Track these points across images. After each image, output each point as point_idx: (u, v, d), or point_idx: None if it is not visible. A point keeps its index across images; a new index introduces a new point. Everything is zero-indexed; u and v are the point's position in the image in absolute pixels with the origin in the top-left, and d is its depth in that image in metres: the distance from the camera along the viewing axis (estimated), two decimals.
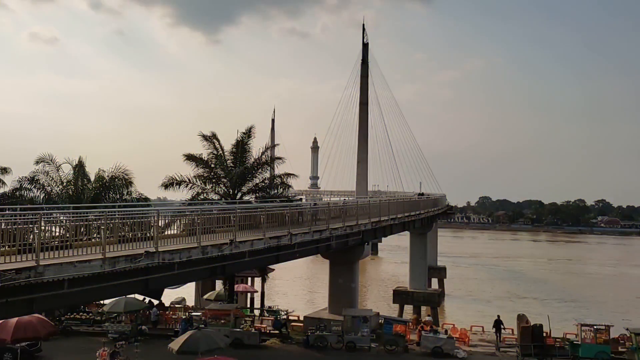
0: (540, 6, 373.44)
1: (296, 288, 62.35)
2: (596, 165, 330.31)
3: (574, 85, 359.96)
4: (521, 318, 28.15)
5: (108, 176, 29.54)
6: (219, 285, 37.09)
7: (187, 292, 38.82)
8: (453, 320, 37.54)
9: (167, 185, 31.09)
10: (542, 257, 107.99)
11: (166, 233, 17.28)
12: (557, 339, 27.68)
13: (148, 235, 15.75)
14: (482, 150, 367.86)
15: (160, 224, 16.36)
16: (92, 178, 30.23)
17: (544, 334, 26.84)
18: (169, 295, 36.04)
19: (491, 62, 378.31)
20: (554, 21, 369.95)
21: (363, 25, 68.14)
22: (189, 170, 31.85)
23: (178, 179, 31.14)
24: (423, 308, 44.75)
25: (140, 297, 31.34)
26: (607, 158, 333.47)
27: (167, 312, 32.31)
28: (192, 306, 35.80)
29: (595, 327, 26.65)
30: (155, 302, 33.55)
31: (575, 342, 26.60)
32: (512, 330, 30.09)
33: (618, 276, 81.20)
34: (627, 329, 27.29)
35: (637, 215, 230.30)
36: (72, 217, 14.47)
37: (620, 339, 27.76)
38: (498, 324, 29.58)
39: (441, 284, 60.26)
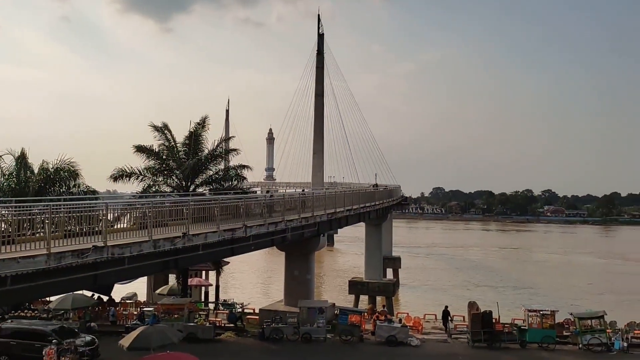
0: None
1: (252, 281, 61.99)
2: (543, 156, 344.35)
3: (527, 77, 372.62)
4: (472, 305, 28.88)
5: (52, 168, 28.23)
6: (172, 279, 36.41)
7: (139, 286, 37.93)
8: (407, 310, 38.24)
9: (117, 177, 30.10)
10: (494, 245, 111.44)
11: (116, 227, 16.76)
12: (506, 325, 28.60)
13: (96, 229, 15.23)
14: (436, 141, 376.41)
15: (109, 218, 15.84)
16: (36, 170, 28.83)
17: (494, 320, 27.63)
18: (119, 291, 35.10)
19: (447, 54, 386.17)
20: (506, 13, 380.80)
21: (318, 15, 67.72)
22: (139, 162, 31.04)
23: (128, 171, 30.21)
24: (378, 298, 45.41)
25: (89, 293, 30.37)
26: (553, 149, 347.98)
27: (117, 308, 31.44)
28: (144, 301, 34.99)
29: (541, 312, 27.69)
30: (105, 298, 32.64)
31: (522, 327, 27.56)
32: (464, 317, 30.90)
33: (566, 263, 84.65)
34: (571, 314, 28.51)
35: (580, 204, 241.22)
36: (15, 210, 13.78)
37: (565, 323, 28.96)
38: (446, 314, 30.35)
39: (396, 274, 61.21)
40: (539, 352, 26.19)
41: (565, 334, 28.02)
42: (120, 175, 30.19)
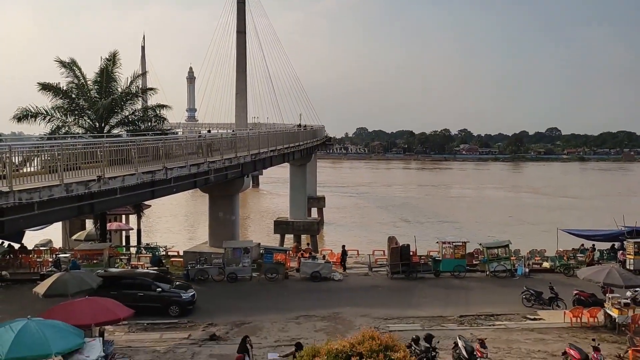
0: None
1: (176, 224, 61.13)
2: (459, 96, 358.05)
3: (440, 16, 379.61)
4: (391, 240, 30.22)
5: None
6: (89, 224, 35.08)
7: (54, 233, 36.29)
8: (331, 247, 39.39)
9: (21, 117, 27.76)
10: (415, 183, 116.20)
11: (23, 171, 15.66)
12: (422, 257, 30.33)
13: (1, 173, 14.19)
14: (359, 81, 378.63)
15: (15, 161, 14.76)
16: None
17: (411, 253, 29.15)
18: (33, 238, 33.40)
19: None
20: None
21: None
22: (46, 102, 28.81)
23: (33, 111, 27.99)
24: (303, 237, 46.43)
25: None
26: (468, 89, 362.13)
27: (30, 256, 30.01)
28: (60, 248, 33.63)
29: (453, 243, 29.57)
30: (16, 245, 30.99)
31: (437, 259, 29.38)
32: (384, 251, 32.35)
33: (481, 198, 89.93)
34: (480, 244, 30.69)
35: (492, 142, 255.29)
36: None
37: (475, 253, 31.15)
38: (344, 253, 31.15)
39: (320, 213, 62.57)
40: (451, 280, 28.14)
41: (474, 262, 30.21)
42: (25, 116, 27.89)
